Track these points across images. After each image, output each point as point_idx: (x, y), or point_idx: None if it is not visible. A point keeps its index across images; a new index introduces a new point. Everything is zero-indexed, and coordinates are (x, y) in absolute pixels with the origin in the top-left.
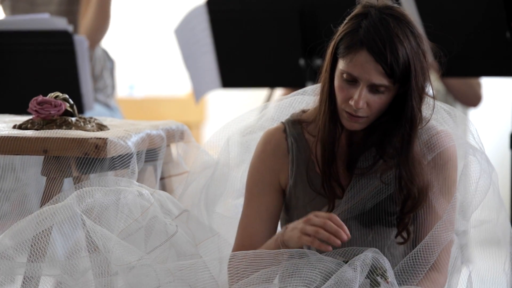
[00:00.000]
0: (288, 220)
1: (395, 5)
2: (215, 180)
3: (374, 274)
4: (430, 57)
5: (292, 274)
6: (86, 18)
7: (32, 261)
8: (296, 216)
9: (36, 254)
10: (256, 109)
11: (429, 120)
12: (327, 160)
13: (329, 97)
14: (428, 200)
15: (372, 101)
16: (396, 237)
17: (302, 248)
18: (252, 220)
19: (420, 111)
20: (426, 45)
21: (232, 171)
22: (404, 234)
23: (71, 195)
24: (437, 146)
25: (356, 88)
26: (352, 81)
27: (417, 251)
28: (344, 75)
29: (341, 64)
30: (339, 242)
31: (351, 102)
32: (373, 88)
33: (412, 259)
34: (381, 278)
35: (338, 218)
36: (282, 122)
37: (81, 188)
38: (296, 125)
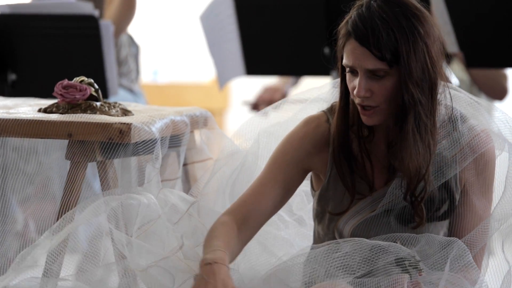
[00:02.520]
0: (320, 211)
1: None
2: (243, 172)
3: (405, 263)
4: (451, 46)
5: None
6: (112, 5)
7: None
8: (330, 207)
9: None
10: (288, 100)
11: (452, 108)
12: (337, 157)
13: (340, 93)
14: (468, 198)
15: (375, 88)
16: (414, 216)
17: None
18: (267, 182)
19: (414, 96)
20: (435, 28)
21: (261, 163)
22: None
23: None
24: (478, 148)
25: (357, 78)
26: (353, 72)
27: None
28: (347, 68)
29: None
30: None
31: (355, 92)
32: (372, 74)
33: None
34: (414, 269)
35: None
36: (323, 111)
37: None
38: None
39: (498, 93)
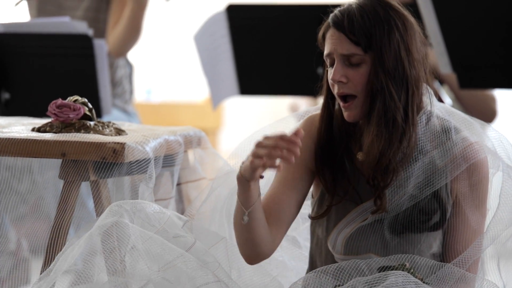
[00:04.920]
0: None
1: None
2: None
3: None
4: (444, 67)
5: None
6: (117, 28)
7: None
8: (332, 210)
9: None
10: (284, 118)
11: (430, 111)
12: (319, 154)
13: (325, 92)
14: (461, 210)
15: (351, 75)
16: (375, 203)
17: (255, 173)
18: (280, 186)
19: (382, 84)
20: (417, 31)
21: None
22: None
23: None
24: (471, 157)
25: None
26: (332, 63)
27: (451, 263)
28: (327, 61)
29: None
30: (292, 159)
31: (330, 77)
32: (348, 61)
33: (443, 271)
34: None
35: (288, 136)
36: None
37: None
38: None
39: (487, 116)
